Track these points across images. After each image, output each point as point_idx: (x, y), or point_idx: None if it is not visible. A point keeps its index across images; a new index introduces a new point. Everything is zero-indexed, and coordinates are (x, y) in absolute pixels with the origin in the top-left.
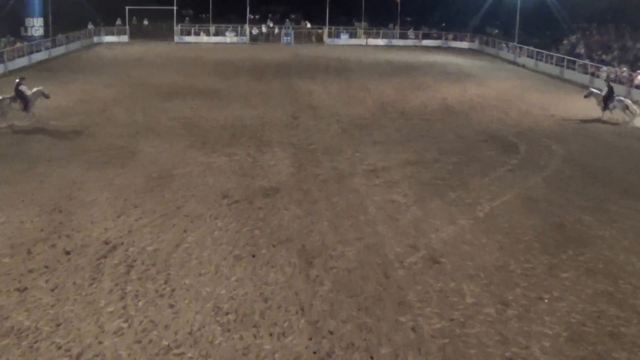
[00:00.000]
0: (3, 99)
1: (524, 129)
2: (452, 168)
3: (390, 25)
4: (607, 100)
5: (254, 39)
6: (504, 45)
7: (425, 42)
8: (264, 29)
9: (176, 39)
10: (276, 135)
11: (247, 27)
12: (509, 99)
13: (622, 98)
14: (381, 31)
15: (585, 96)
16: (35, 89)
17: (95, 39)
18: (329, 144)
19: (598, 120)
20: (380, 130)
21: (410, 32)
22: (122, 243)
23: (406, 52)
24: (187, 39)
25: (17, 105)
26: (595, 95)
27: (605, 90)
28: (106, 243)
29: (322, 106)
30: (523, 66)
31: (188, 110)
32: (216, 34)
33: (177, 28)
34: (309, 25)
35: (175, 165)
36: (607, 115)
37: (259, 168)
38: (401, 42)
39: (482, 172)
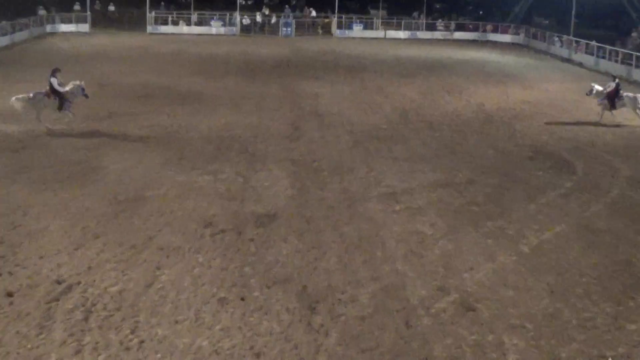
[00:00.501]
0: (36, 94)
1: (581, 143)
2: (490, 191)
3: (415, 14)
4: (613, 98)
5: (246, 29)
6: (556, 38)
7: (458, 35)
8: (258, 18)
9: (149, 29)
10: (272, 149)
11: (237, 15)
12: (562, 105)
13: (631, 94)
14: (403, 21)
15: (588, 94)
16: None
17: (48, 28)
18: (337, 160)
19: None
20: (402, 144)
21: (439, 23)
22: (79, 282)
23: (434, 47)
24: (163, 29)
25: (51, 101)
26: (598, 92)
27: (611, 85)
28: (59, 282)
29: (330, 113)
30: (580, 64)
31: (164, 118)
32: (199, 23)
33: (150, 15)
34: (313, 13)
35: (146, 185)
36: (607, 116)
37: (251, 190)
38: (428, 35)
39: (528, 196)
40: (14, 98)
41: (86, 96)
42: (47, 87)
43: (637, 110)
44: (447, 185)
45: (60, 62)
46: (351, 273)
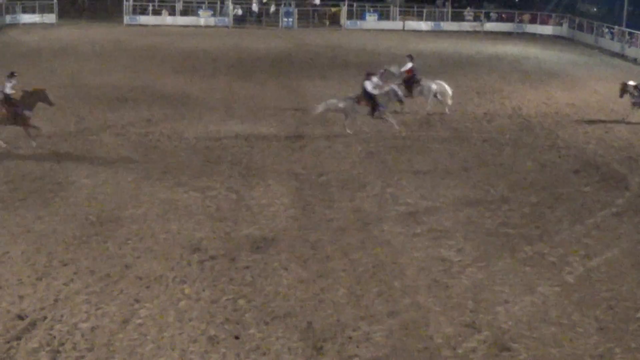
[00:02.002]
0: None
1: (636, 153)
2: (528, 211)
3: (439, 2)
4: None
5: (239, 20)
6: (605, 30)
7: (490, 26)
8: (254, 7)
9: (126, 19)
10: (271, 160)
11: (230, 3)
12: (614, 109)
13: None
14: (424, 10)
15: (622, 94)
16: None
17: (8, 19)
18: (348, 174)
19: None
20: (424, 154)
21: (468, 12)
22: (45, 318)
23: (462, 41)
24: (143, 19)
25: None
26: (632, 90)
27: None
28: (21, 318)
29: (339, 118)
30: (634, 60)
31: (142, 124)
32: (185, 12)
33: (127, 4)
34: (316, 1)
35: (123, 204)
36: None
37: (246, 209)
38: (454, 26)
39: (574, 216)
40: None
41: (50, 104)
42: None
43: None
44: (477, 203)
45: (20, 58)
46: (364, 307)
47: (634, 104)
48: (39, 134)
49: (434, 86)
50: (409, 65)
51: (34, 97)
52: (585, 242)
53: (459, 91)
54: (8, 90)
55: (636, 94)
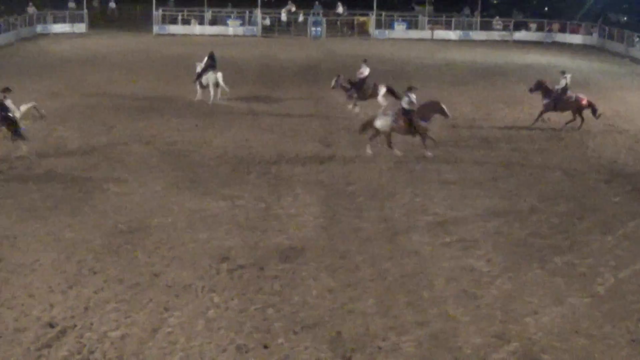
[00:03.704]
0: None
1: None
2: (558, 221)
3: (467, 11)
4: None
5: (268, 29)
6: (636, 39)
7: (519, 36)
8: (282, 16)
9: (156, 29)
10: (299, 170)
11: (258, 13)
12: None
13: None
14: (453, 20)
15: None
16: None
17: (39, 29)
18: (376, 183)
19: None
20: (452, 164)
21: (497, 21)
22: (75, 326)
23: (490, 50)
24: (172, 29)
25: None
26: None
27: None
28: (51, 326)
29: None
30: None
31: (171, 133)
32: (214, 22)
33: (157, 14)
34: (339, 9)
35: (151, 213)
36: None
37: (274, 219)
38: (483, 36)
39: (604, 227)
40: None
41: (446, 116)
42: None
43: None
44: (506, 213)
45: (51, 68)
46: (393, 317)
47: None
48: (435, 145)
49: (383, 89)
50: (367, 70)
51: (430, 108)
52: (616, 253)
53: (488, 101)
54: (405, 104)
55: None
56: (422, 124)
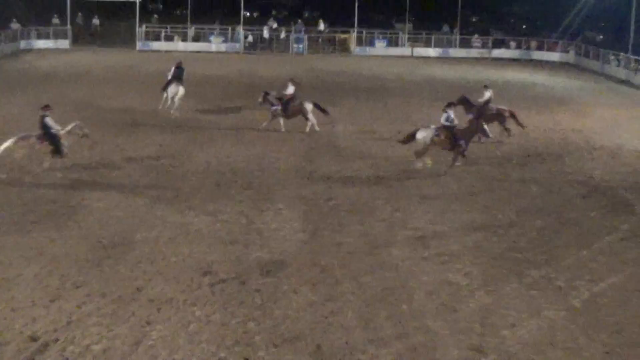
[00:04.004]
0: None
1: None
2: (535, 235)
3: (446, 29)
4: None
5: (251, 46)
6: (612, 57)
7: (497, 53)
8: (265, 33)
9: (139, 45)
10: (281, 185)
11: (241, 29)
12: (620, 135)
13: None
14: (433, 37)
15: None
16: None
17: (23, 44)
18: (356, 198)
19: None
20: (432, 180)
21: (476, 39)
22: (57, 340)
23: (469, 67)
24: (155, 45)
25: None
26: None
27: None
28: (34, 339)
29: (348, 144)
30: None
31: (153, 149)
32: (197, 38)
33: (140, 30)
34: (322, 27)
35: (134, 227)
36: None
37: (256, 233)
38: (462, 53)
39: (580, 241)
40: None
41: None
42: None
43: None
44: (485, 228)
45: (35, 83)
46: (373, 330)
47: None
48: (464, 162)
49: (309, 106)
50: (292, 89)
51: (474, 129)
52: (592, 267)
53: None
54: (444, 120)
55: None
56: (462, 142)
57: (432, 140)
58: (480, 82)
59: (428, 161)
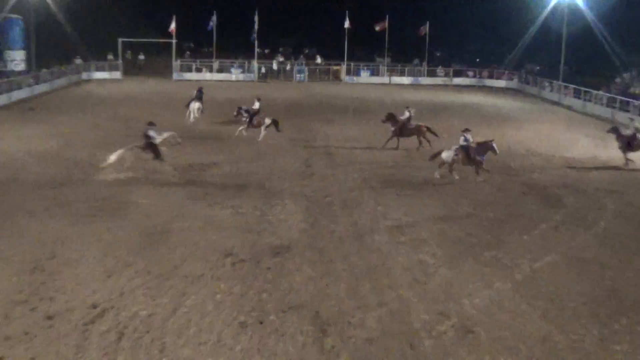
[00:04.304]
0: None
1: (570, 179)
2: (487, 224)
3: (416, 61)
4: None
5: (263, 75)
6: (546, 84)
7: (457, 81)
8: (274, 65)
9: (175, 75)
10: (287, 185)
11: (255, 63)
12: (552, 145)
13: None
14: (407, 68)
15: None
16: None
17: (84, 76)
18: (347, 195)
19: None
20: (406, 181)
21: (440, 69)
22: (112, 307)
23: (435, 92)
24: (188, 75)
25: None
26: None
27: (406, 114)
28: (94, 307)
29: (340, 153)
30: (569, 108)
31: (187, 157)
32: (220, 70)
33: (176, 63)
34: (319, 60)
35: (172, 219)
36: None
37: (267, 223)
38: (429, 81)
39: (522, 228)
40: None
41: (495, 153)
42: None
43: None
44: (448, 218)
45: (94, 105)
46: (359, 299)
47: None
48: (489, 175)
49: (267, 121)
50: (258, 105)
51: (484, 147)
52: (531, 249)
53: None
54: (462, 142)
55: (619, 140)
56: (479, 158)
57: (452, 159)
58: (443, 104)
59: (455, 175)
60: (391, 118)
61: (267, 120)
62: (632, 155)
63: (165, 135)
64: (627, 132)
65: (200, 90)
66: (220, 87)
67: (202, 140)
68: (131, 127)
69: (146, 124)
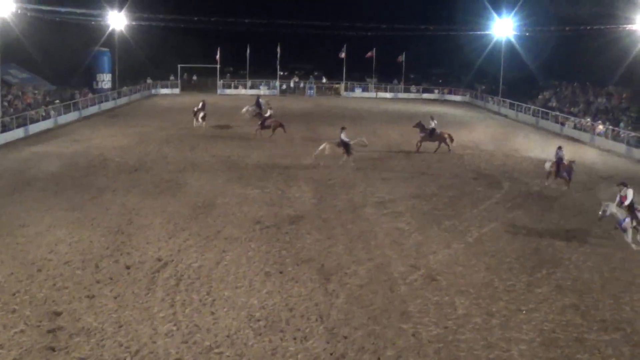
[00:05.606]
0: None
1: (508, 168)
2: (447, 201)
3: (396, 81)
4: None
5: (283, 91)
6: (490, 98)
7: (426, 95)
8: (291, 84)
9: (219, 91)
10: (301, 172)
11: (277, 81)
12: (495, 143)
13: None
14: (388, 86)
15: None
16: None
17: (153, 91)
18: (345, 179)
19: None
20: (388, 169)
21: (413, 87)
22: (172, 260)
23: (409, 104)
24: (228, 91)
25: (340, 150)
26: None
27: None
28: (159, 260)
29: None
30: (505, 116)
31: (227, 150)
32: (252, 87)
33: (219, 82)
34: (324, 80)
35: (216, 196)
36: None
37: (286, 199)
38: (405, 95)
39: (473, 204)
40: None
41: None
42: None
43: None
44: (419, 196)
45: (160, 113)
46: (354, 255)
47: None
48: (568, 187)
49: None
50: (270, 111)
51: (569, 165)
52: (479, 219)
53: (407, 132)
54: (554, 157)
55: (422, 132)
56: (564, 174)
57: (549, 168)
58: (415, 112)
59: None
60: (420, 126)
61: (277, 123)
62: (429, 144)
63: (357, 139)
64: (430, 126)
65: (203, 102)
66: (251, 99)
67: (237, 139)
68: (186, 128)
69: (340, 128)
